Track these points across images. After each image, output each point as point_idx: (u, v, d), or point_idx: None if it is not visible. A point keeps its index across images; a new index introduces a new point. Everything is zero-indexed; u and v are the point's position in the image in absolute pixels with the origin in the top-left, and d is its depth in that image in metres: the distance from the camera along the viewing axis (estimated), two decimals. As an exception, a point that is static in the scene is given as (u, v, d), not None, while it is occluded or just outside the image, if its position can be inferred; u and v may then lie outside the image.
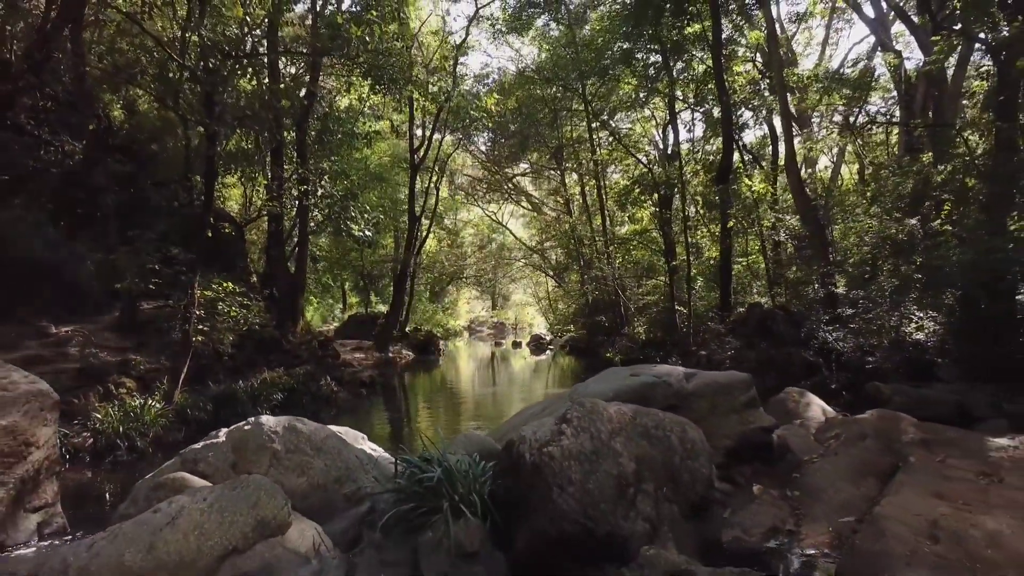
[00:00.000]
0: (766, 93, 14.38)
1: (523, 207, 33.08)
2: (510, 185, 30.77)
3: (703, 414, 4.78)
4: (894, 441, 5.27)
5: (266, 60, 10.80)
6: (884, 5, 17.97)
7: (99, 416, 8.54)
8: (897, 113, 19.21)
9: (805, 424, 6.03)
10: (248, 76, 9.99)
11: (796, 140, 22.47)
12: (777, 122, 16.89)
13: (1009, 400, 7.35)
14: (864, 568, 3.31)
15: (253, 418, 4.48)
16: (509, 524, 3.53)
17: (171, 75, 9.06)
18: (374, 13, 9.11)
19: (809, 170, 24.07)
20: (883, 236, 11.66)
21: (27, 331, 10.48)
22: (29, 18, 13.61)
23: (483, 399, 13.44)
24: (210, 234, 9.43)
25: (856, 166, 19.94)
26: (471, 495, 3.62)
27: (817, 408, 6.44)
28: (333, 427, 4.79)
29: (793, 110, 19.34)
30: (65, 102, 13.96)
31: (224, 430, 4.55)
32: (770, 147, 16.70)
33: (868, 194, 14.24)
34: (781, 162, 23.71)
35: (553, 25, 22.06)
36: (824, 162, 25.12)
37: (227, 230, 12.38)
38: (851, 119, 18.11)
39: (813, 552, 3.81)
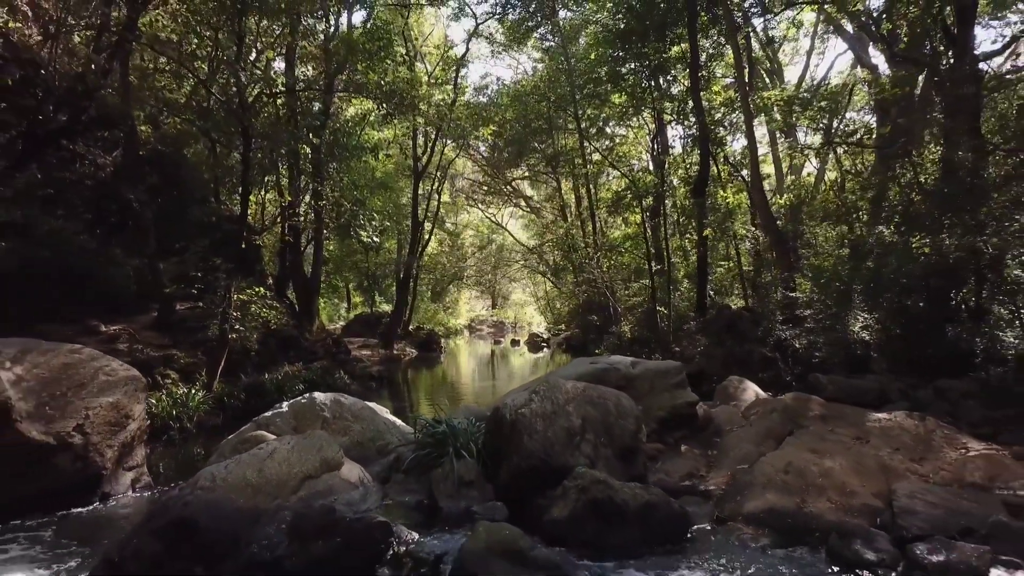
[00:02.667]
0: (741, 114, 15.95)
1: (522, 209, 34.71)
2: (509, 188, 32.38)
3: (644, 392, 6.41)
4: (800, 416, 6.88)
5: (284, 88, 12.39)
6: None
7: (153, 402, 10.18)
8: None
9: (738, 404, 7.67)
10: (275, 106, 11.62)
11: (781, 149, 24.20)
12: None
13: (917, 388, 8.96)
14: (737, 491, 4.95)
15: (308, 394, 6.13)
16: (495, 464, 5.17)
17: (209, 107, 10.69)
18: (389, 61, 10.75)
19: (793, 176, 25.70)
20: (841, 244, 13.28)
21: (80, 329, 12.14)
22: (71, 49, 15.23)
23: (482, 391, 15.07)
24: (244, 245, 11.05)
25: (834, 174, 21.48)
26: (469, 444, 5.27)
27: (752, 392, 8.08)
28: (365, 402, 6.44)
29: (778, 118, 21.03)
30: (102, 121, 15.61)
31: (286, 402, 6.20)
32: (749, 158, 18.22)
33: (835, 204, 15.81)
34: (764, 171, 25.39)
35: (549, 38, 23.72)
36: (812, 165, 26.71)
37: (257, 241, 14.04)
38: (833, 127, 19.72)
39: (712, 487, 5.44)
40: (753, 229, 14.27)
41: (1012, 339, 9.43)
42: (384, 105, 11.74)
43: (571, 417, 5.05)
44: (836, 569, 3.83)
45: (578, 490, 4.29)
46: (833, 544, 3.98)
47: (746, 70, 15.54)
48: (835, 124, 19.74)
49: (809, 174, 25.85)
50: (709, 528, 4.50)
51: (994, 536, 3.74)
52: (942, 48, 12.53)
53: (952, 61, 12.45)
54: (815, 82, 27.99)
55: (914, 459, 5.77)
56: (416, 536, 4.30)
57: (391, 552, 4.08)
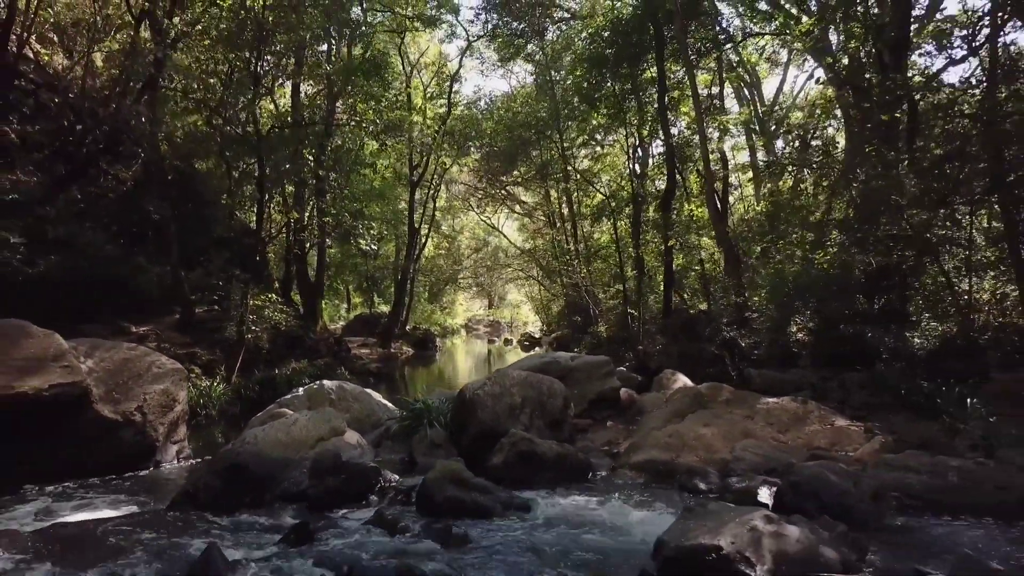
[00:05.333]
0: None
1: (516, 212, 36.64)
2: (503, 192, 34.31)
3: (580, 380, 8.39)
4: (709, 400, 8.80)
5: (292, 122, 14.43)
6: (833, 41, 21.47)
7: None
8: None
9: (667, 391, 9.62)
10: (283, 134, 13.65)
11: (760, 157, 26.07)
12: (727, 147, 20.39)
13: (828, 380, 10.89)
14: (632, 450, 6.91)
15: (318, 382, 8.11)
16: (458, 431, 7.14)
17: (231, 136, 12.67)
18: (385, 101, 12.72)
19: (769, 185, 27.63)
20: (789, 255, 15.18)
21: (114, 330, 14.13)
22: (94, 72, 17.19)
23: (469, 386, 17.02)
24: (258, 258, 13.04)
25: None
26: (440, 417, 7.25)
27: (681, 382, 10.03)
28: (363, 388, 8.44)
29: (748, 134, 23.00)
30: (126, 140, 17.58)
31: (301, 388, 8.19)
32: (721, 170, 20.07)
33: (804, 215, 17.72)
34: (744, 179, 27.34)
35: (537, 50, 25.63)
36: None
37: (271, 253, 16.06)
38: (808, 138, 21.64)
39: (622, 450, 7.40)
40: (703, 239, 16.24)
41: (917, 339, 11.40)
42: (381, 136, 13.72)
43: (514, 396, 7.02)
44: (682, 495, 5.79)
45: (510, 444, 6.25)
46: (682, 480, 5.94)
47: (706, 93, 17.46)
48: (809, 136, 21.73)
49: (786, 182, 27.70)
50: (606, 473, 6.47)
51: (783, 473, 5.67)
52: (874, 79, 14.36)
53: (883, 88, 14.28)
54: (794, 92, 29.98)
55: (781, 430, 7.71)
56: (398, 477, 6.28)
57: (379, 486, 6.05)
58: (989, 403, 7.74)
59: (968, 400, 7.70)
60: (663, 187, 19.77)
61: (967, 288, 11.77)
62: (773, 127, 24.01)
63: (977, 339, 9.22)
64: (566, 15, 24.80)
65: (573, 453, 6.31)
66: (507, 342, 34.75)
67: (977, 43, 10.95)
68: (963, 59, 13.10)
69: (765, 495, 5.10)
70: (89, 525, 5.58)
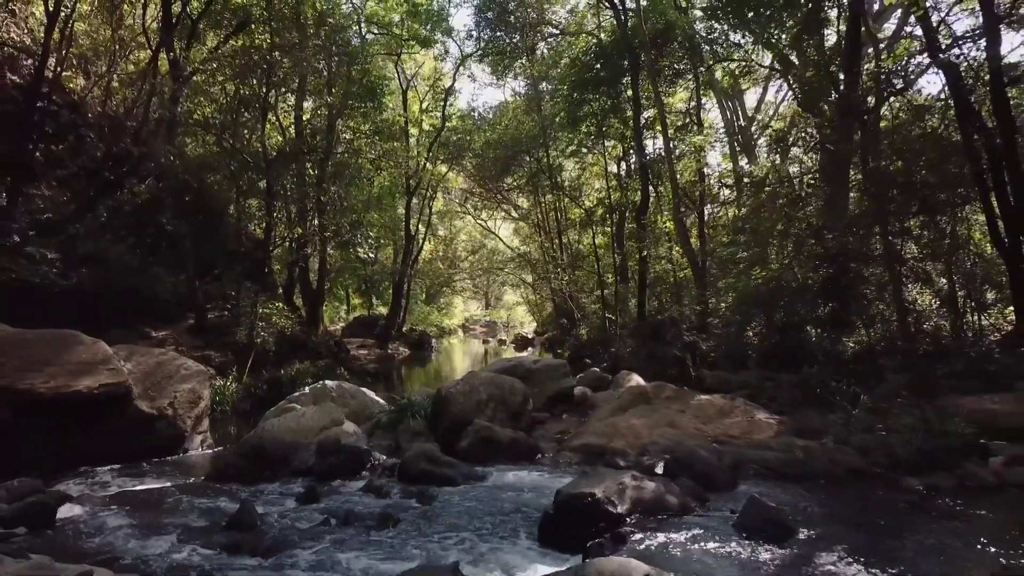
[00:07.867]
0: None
1: (511, 216, 38.44)
2: (498, 197, 36.11)
3: (541, 380, 10.18)
4: (652, 397, 10.55)
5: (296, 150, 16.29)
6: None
7: (199, 391, 13.99)
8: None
9: (620, 389, 11.39)
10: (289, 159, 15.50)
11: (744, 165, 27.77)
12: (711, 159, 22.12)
13: (767, 380, 12.63)
14: (576, 437, 8.68)
15: (321, 382, 9.93)
16: (436, 422, 8.93)
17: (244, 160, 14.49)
18: (379, 135, 14.54)
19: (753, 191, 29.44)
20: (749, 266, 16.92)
21: (136, 335, 15.97)
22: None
23: (459, 385, 18.80)
24: (266, 270, 14.86)
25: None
26: (421, 411, 9.06)
27: (634, 381, 11.81)
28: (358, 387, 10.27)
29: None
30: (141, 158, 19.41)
31: (307, 387, 10.00)
32: (698, 183, 21.79)
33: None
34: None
35: (528, 66, 27.42)
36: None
37: (276, 267, 17.90)
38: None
39: (570, 436, 9.17)
40: (673, 252, 18.06)
41: (852, 344, 13.15)
42: (376, 162, 15.52)
43: (481, 394, 8.82)
44: (603, 469, 7.55)
45: (474, 432, 8.04)
46: (607, 459, 7.71)
47: (686, 108, 19.18)
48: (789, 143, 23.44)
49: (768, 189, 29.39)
50: (551, 455, 8.26)
51: (677, 452, 7.43)
52: (825, 105, 16.02)
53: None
54: (777, 102, 31.67)
55: (705, 422, 9.45)
56: (385, 457, 8.08)
57: (370, 464, 7.85)
58: (881, 401, 9.51)
59: (861, 398, 9.45)
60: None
61: (902, 298, 13.52)
62: (754, 138, 25.77)
63: (874, 346, 10.92)
64: (555, 31, 26.56)
65: (524, 438, 8.10)
66: (502, 342, 36.58)
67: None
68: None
69: (660, 468, 6.87)
70: (145, 493, 7.41)
